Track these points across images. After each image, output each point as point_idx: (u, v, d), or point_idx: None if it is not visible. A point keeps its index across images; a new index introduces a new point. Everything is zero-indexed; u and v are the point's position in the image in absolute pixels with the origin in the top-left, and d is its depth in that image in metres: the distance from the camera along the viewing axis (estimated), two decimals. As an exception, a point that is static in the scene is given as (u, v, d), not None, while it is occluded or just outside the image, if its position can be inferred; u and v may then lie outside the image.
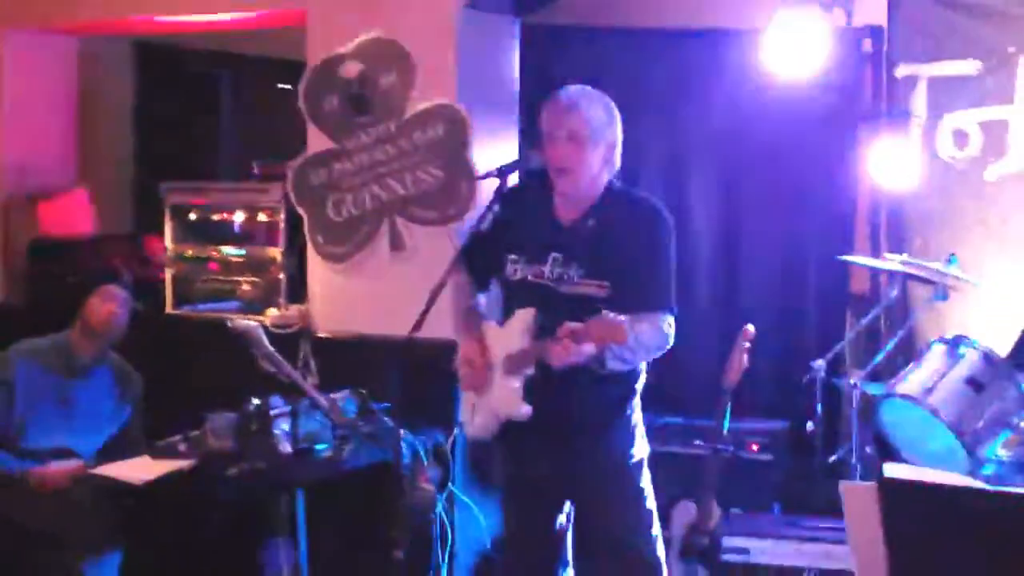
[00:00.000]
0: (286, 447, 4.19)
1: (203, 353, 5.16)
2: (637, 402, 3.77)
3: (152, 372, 5.05)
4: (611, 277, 3.55)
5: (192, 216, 5.42)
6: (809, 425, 5.14)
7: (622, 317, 3.33)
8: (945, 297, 4.79)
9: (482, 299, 3.93)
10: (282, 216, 5.15)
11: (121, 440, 4.87)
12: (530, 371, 3.61)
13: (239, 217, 5.31)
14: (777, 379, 5.60)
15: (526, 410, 3.60)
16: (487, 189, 4.58)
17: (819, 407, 5.08)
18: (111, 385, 4.90)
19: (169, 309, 5.44)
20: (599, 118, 3.61)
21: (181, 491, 4.24)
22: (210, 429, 4.29)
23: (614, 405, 3.70)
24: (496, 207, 3.67)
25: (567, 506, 3.85)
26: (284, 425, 4.24)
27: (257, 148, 5.99)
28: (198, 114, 6.45)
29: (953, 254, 4.83)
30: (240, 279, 5.30)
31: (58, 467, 4.68)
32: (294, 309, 5.08)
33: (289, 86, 5.17)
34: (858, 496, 2.89)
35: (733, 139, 5.72)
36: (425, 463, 4.07)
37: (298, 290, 5.15)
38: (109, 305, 4.79)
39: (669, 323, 3.59)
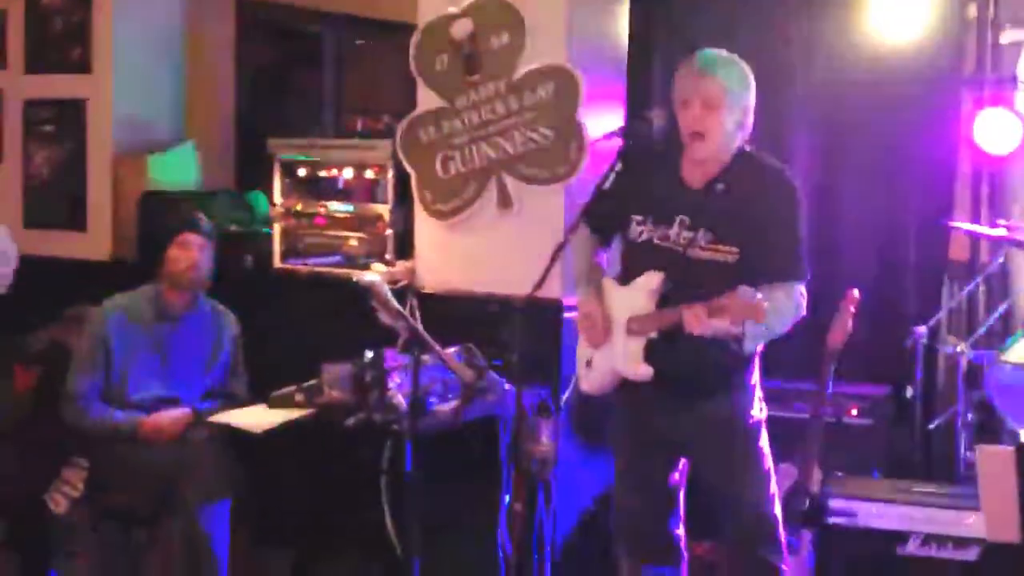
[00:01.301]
0: (401, 400, 4.26)
1: (311, 306, 5.24)
2: (756, 364, 3.82)
3: (261, 325, 5.15)
4: (741, 243, 3.57)
5: (300, 172, 5.48)
6: (909, 391, 5.15)
7: (760, 295, 3.35)
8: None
9: (604, 256, 3.97)
10: (390, 173, 5.20)
11: (226, 383, 4.97)
12: (653, 334, 3.66)
13: (347, 173, 5.37)
14: (875, 344, 5.59)
15: (648, 371, 3.66)
16: (596, 149, 4.66)
17: (919, 373, 5.10)
18: (206, 329, 4.97)
19: (277, 263, 5.51)
20: (734, 83, 3.62)
21: (299, 440, 4.34)
22: (326, 380, 4.38)
23: (734, 368, 3.73)
24: (619, 166, 3.70)
25: (682, 463, 3.91)
26: (398, 378, 4.32)
27: (358, 105, 6.06)
28: (300, 70, 6.51)
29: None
30: (346, 234, 5.37)
31: (168, 416, 4.79)
32: (400, 265, 5.14)
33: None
34: (994, 459, 2.92)
35: (835, 102, 5.68)
36: (544, 419, 4.14)
37: (404, 246, 5.21)
38: (188, 252, 4.85)
39: (801, 292, 3.62)
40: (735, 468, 3.78)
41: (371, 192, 5.32)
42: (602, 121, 4.76)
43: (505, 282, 4.69)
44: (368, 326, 4.36)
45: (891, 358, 5.38)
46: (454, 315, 4.87)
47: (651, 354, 3.67)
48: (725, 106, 3.59)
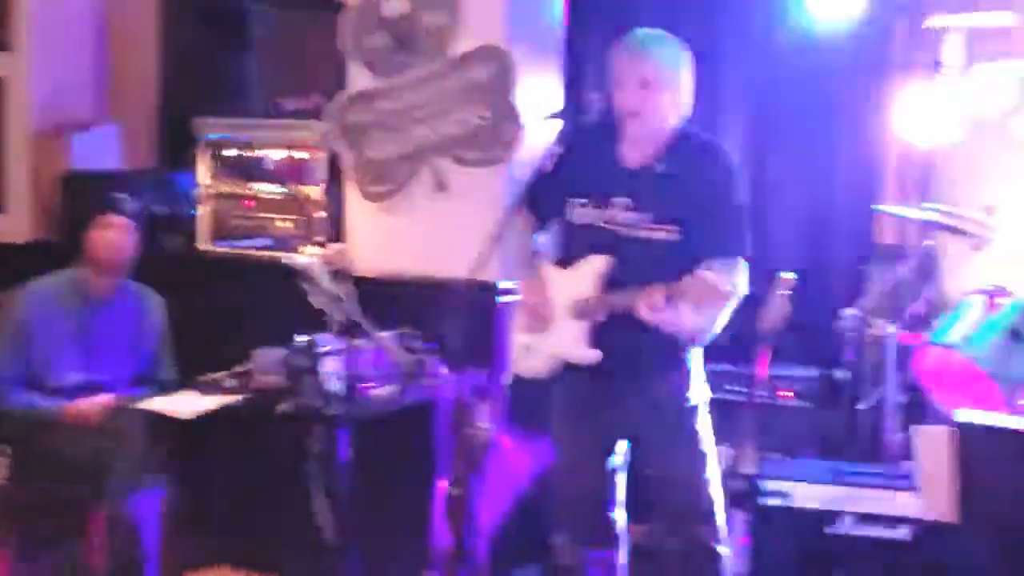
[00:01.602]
0: (335, 385, 4.20)
1: (240, 290, 5.16)
2: (697, 347, 3.81)
3: (188, 309, 5.05)
4: (682, 222, 3.56)
5: (228, 153, 5.38)
6: (839, 373, 5.18)
7: (723, 279, 3.34)
8: (982, 248, 4.82)
9: (542, 240, 3.94)
10: (322, 154, 5.13)
11: (153, 368, 4.88)
12: (599, 318, 3.63)
13: (277, 154, 5.29)
14: (804, 326, 5.62)
15: (595, 354, 3.64)
16: (534, 131, 4.63)
17: (849, 355, 5.13)
18: (131, 313, 4.87)
19: (202, 245, 5.41)
20: (669, 62, 3.60)
21: (228, 426, 4.26)
22: (257, 365, 4.31)
23: (675, 350, 3.73)
24: (559, 148, 3.66)
25: (621, 447, 3.89)
26: (331, 363, 4.26)
27: (286, 85, 5.95)
28: (227, 49, 6.39)
29: (991, 206, 4.86)
30: (276, 217, 5.29)
31: (92, 402, 4.68)
32: (332, 248, 5.07)
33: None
34: (932, 439, 2.94)
35: (765, 86, 5.71)
36: (482, 403, 4.11)
37: (337, 229, 5.14)
38: (109, 233, 4.74)
39: (743, 268, 3.62)
40: (674, 450, 3.77)
41: (302, 173, 5.24)
42: (539, 102, 4.72)
43: (440, 265, 4.66)
44: (300, 310, 4.29)
45: (821, 340, 5.41)
46: (388, 299, 4.80)
47: (595, 337, 3.65)
48: (661, 85, 3.57)
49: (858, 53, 5.55)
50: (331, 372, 4.22)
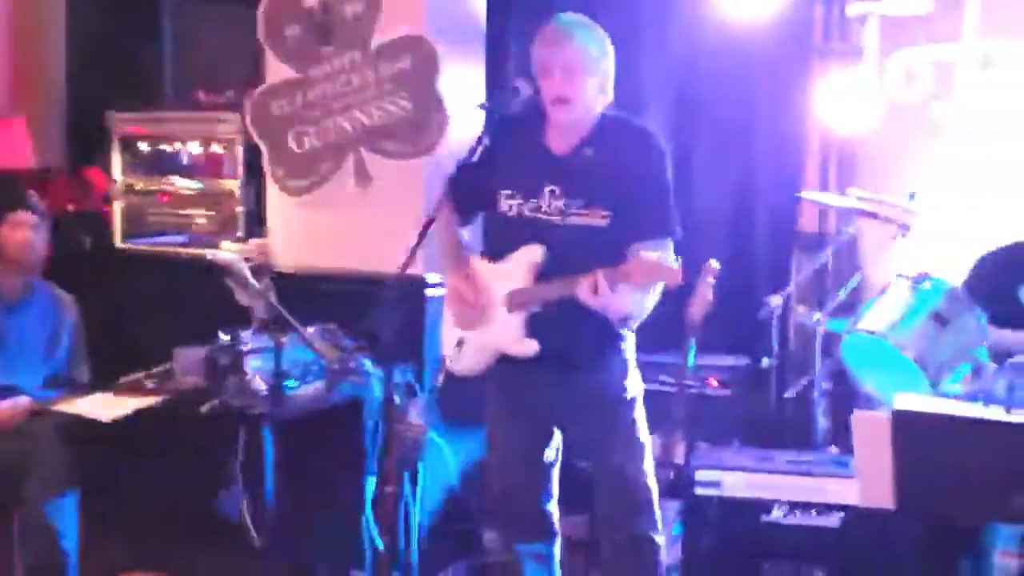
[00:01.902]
0: (260, 383, 4.11)
1: (158, 288, 5.03)
2: (632, 337, 3.78)
3: (104, 308, 4.91)
4: (612, 206, 3.53)
5: (142, 147, 5.25)
6: (765, 361, 5.20)
7: (667, 257, 3.31)
8: (905, 234, 4.85)
9: (466, 235, 3.89)
10: (240, 147, 5.02)
11: (68, 370, 4.74)
12: (535, 308, 3.59)
13: (193, 148, 5.17)
14: (729, 315, 5.62)
15: (534, 346, 3.59)
16: (459, 122, 4.57)
17: (775, 343, 5.15)
18: (44, 314, 4.72)
19: (118, 243, 5.27)
20: (593, 48, 3.57)
21: (150, 428, 4.14)
22: (179, 365, 4.20)
23: (611, 340, 3.70)
24: (484, 140, 3.61)
25: (557, 439, 3.86)
26: (255, 361, 4.17)
27: (200, 77, 5.82)
28: (137, 39, 6.22)
29: (913, 192, 4.89)
30: (193, 212, 5.17)
31: (6, 405, 4.52)
32: (252, 243, 4.97)
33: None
34: (870, 425, 2.94)
35: (686, 74, 5.71)
36: (414, 399, 4.04)
37: (256, 224, 5.04)
38: (20, 232, 4.59)
39: (672, 248, 3.60)
40: (612, 442, 3.75)
41: (219, 167, 5.13)
42: (462, 92, 4.66)
43: (365, 260, 4.59)
44: (221, 307, 4.19)
45: (745, 328, 5.42)
46: (311, 295, 4.71)
47: (531, 328, 3.60)
48: (586, 70, 3.55)
49: (779, 40, 5.56)
50: (255, 371, 4.12)
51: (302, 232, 4.90)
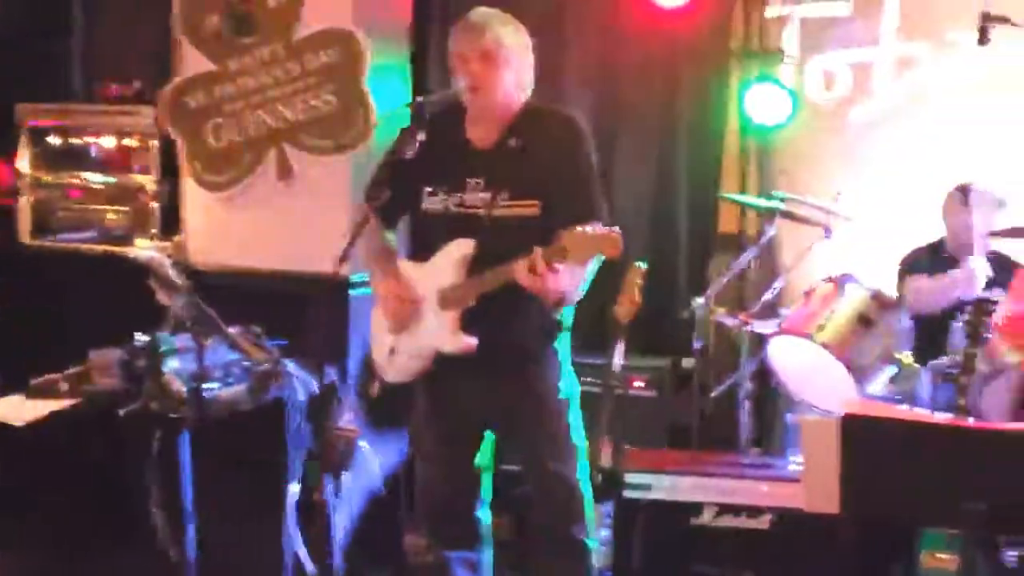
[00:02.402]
0: (179, 386, 3.97)
1: (69, 286, 4.85)
2: (567, 337, 3.73)
3: (11, 307, 4.73)
4: (540, 195, 3.49)
5: (51, 140, 5.06)
6: (687, 362, 5.18)
7: (599, 227, 3.25)
8: (829, 236, 4.87)
9: (391, 236, 3.81)
10: (154, 141, 4.86)
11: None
12: (471, 303, 3.51)
13: (106, 142, 4.99)
14: (648, 316, 5.60)
15: (472, 342, 3.52)
16: (384, 118, 4.48)
17: (698, 344, 5.14)
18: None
19: (25, 239, 5.08)
20: (510, 39, 3.56)
21: (65, 432, 3.98)
22: (94, 367, 4.04)
23: (546, 337, 3.65)
24: (421, 136, 3.53)
25: (487, 444, 3.78)
26: (174, 363, 4.02)
27: (110, 69, 5.62)
28: (46, 31, 6.00)
29: (838, 193, 4.91)
30: (105, 208, 5.00)
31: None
32: (167, 241, 4.81)
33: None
34: (817, 429, 2.92)
35: (604, 74, 5.67)
36: (346, 402, 3.93)
37: (171, 221, 4.88)
38: None
39: None
40: (547, 445, 3.69)
41: (133, 162, 4.96)
42: (387, 87, 4.57)
43: (287, 259, 4.53)
44: (138, 307, 4.04)
45: (666, 329, 5.41)
46: (230, 294, 4.55)
47: (467, 324, 3.53)
48: (503, 60, 3.53)
49: (698, 41, 5.55)
50: (174, 373, 3.98)
51: (221, 229, 4.77)
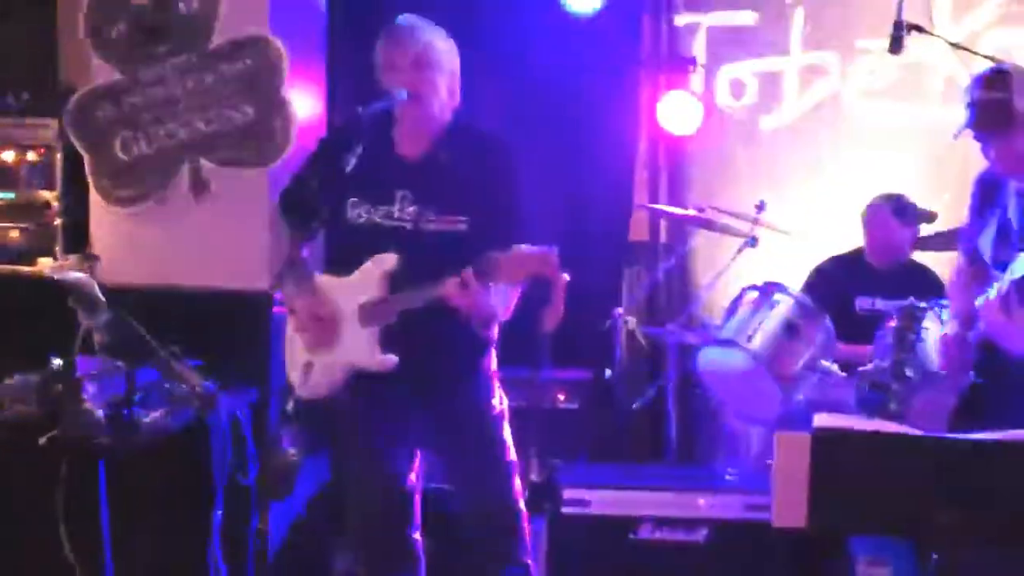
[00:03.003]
0: (98, 411, 3.77)
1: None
2: (494, 351, 3.65)
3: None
4: (469, 211, 3.42)
5: (-56, 153, 4.81)
6: (608, 373, 5.15)
7: (543, 248, 3.18)
8: (754, 245, 4.87)
9: (306, 251, 3.68)
10: (59, 155, 4.65)
11: None
12: (392, 319, 3.40)
13: (6, 156, 4.75)
14: (564, 328, 5.55)
15: (390, 360, 3.41)
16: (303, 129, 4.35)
17: (618, 355, 5.11)
18: None
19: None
20: (440, 44, 3.50)
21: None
22: (7, 394, 3.83)
23: (474, 354, 3.56)
24: (329, 147, 3.46)
25: (417, 464, 3.65)
26: (93, 387, 3.83)
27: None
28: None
29: (762, 201, 4.91)
30: (6, 225, 4.75)
31: None
32: (73, 259, 4.60)
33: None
34: (791, 445, 2.89)
35: (514, 84, 5.60)
36: (286, 425, 3.77)
37: (77, 238, 4.69)
38: None
39: None
40: (481, 462, 3.59)
41: (35, 177, 4.73)
42: (305, 97, 4.44)
43: (203, 277, 4.39)
44: (47, 329, 3.84)
45: (584, 341, 5.35)
46: (144, 314, 4.36)
47: (387, 342, 3.42)
48: (436, 65, 3.46)
49: (607, 50, 5.54)
50: (93, 398, 3.78)
51: (131, 247, 4.59)
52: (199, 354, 4.04)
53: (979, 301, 3.57)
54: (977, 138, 3.56)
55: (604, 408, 5.18)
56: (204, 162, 4.46)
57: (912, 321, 4.16)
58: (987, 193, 3.71)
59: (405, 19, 3.52)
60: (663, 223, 5.73)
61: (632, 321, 5.14)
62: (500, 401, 3.65)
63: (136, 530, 3.99)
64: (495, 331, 3.60)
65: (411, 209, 3.45)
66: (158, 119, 4.48)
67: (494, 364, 3.66)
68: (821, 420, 2.80)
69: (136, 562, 3.96)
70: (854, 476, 2.79)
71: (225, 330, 3.96)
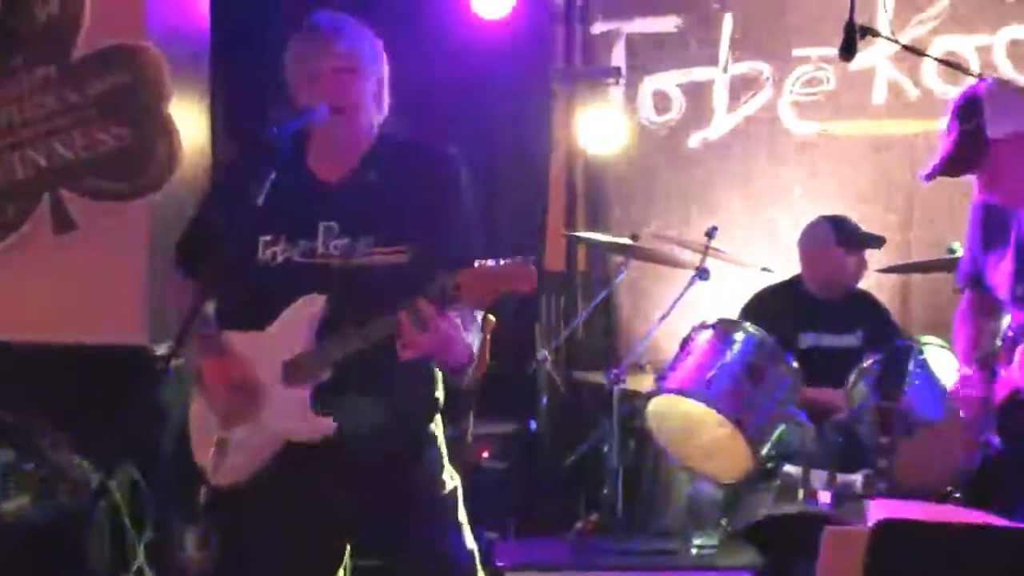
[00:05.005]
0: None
1: None
2: (439, 418, 3.08)
3: None
4: (410, 240, 2.88)
5: None
6: (533, 424, 4.67)
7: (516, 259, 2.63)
8: (705, 277, 4.39)
9: (210, 306, 3.06)
10: None
11: None
12: (325, 374, 2.81)
13: None
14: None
15: (329, 424, 2.81)
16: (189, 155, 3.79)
17: (545, 402, 4.63)
18: None
19: None
20: (365, 46, 2.98)
21: None
22: None
23: (418, 418, 3.01)
24: (272, 176, 2.83)
25: (347, 558, 3.09)
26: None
27: None
28: None
29: (715, 227, 4.45)
30: None
31: None
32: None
33: None
34: (842, 541, 2.40)
35: (424, 83, 5.07)
36: (191, 522, 3.13)
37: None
38: None
39: None
40: (434, 556, 3.02)
41: None
42: (184, 111, 3.92)
43: (68, 329, 3.84)
44: None
45: (505, 386, 4.81)
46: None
47: (322, 402, 2.85)
48: (361, 72, 2.96)
49: (516, 62, 5.15)
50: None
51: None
52: (66, 425, 3.63)
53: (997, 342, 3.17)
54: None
55: (533, 465, 4.67)
56: (68, 194, 3.89)
57: (897, 362, 3.75)
58: (993, 221, 3.30)
59: (325, 19, 2.98)
60: (581, 251, 5.28)
61: (554, 363, 4.67)
62: (451, 475, 3.09)
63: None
64: (439, 390, 3.04)
65: (338, 242, 2.92)
66: (12, 145, 3.96)
67: (440, 431, 3.08)
68: (879, 510, 2.31)
69: None
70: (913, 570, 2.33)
71: (98, 394, 3.37)
